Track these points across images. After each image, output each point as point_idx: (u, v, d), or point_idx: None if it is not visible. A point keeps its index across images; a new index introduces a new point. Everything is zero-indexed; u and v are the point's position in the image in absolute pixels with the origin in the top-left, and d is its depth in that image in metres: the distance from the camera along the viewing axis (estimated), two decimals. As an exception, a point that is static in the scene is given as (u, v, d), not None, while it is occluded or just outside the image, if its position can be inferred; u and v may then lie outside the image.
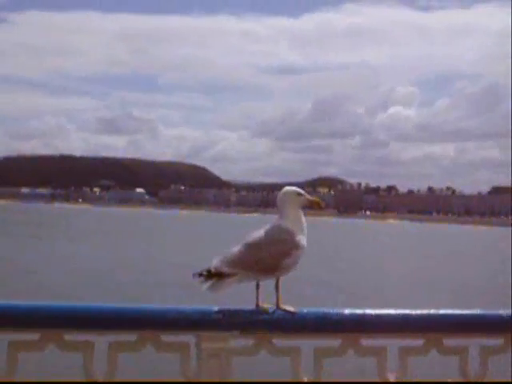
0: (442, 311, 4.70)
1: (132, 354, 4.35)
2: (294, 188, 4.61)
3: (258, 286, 4.51)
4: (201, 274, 4.27)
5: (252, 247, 4.39)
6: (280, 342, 4.51)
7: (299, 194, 4.59)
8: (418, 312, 4.65)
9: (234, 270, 4.32)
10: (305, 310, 4.50)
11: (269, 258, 4.37)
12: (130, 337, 4.31)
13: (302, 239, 4.48)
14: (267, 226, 4.51)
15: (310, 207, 4.64)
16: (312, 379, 4.52)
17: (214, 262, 4.34)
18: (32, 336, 4.20)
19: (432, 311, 4.67)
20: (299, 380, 4.50)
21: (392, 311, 4.62)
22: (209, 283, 4.30)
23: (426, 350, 4.70)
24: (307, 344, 4.57)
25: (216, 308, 4.37)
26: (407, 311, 4.66)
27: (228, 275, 4.31)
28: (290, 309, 4.48)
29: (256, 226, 4.50)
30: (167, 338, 4.38)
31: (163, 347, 4.37)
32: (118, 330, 4.30)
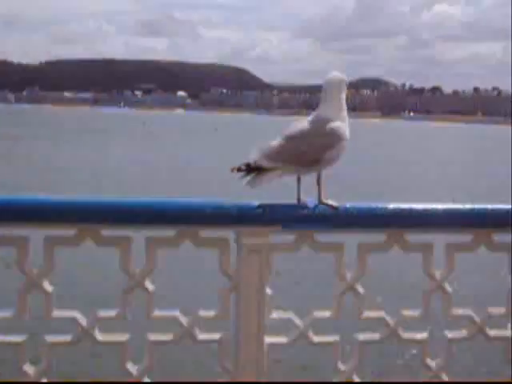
0: (491, 206, 4.48)
1: (170, 250, 4.24)
2: (342, 75, 4.25)
3: (299, 181, 4.27)
4: (239, 169, 4.04)
5: (293, 139, 4.13)
6: (323, 237, 4.35)
7: (347, 84, 4.27)
8: (467, 206, 4.44)
9: (275, 163, 4.08)
10: (347, 205, 4.31)
11: (311, 150, 4.11)
12: (168, 232, 4.18)
13: (346, 130, 4.19)
14: (308, 117, 4.24)
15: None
16: (356, 276, 4.37)
17: (253, 156, 4.09)
18: (68, 231, 4.10)
19: (481, 206, 4.46)
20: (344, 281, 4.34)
21: (439, 206, 4.41)
22: (248, 178, 4.08)
23: (474, 246, 4.51)
24: (351, 239, 4.42)
25: (256, 203, 4.18)
26: (455, 206, 4.46)
27: (268, 169, 4.09)
28: (333, 203, 4.26)
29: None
30: (206, 233, 4.24)
31: (202, 243, 4.23)
32: (155, 225, 4.17)
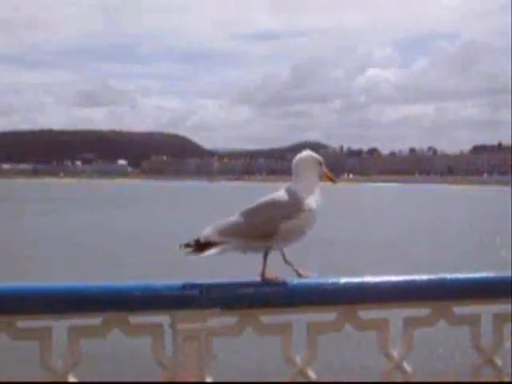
0: (449, 275, 4.13)
1: (97, 340, 3.76)
2: (314, 154, 4.11)
3: (265, 256, 3.96)
4: (187, 245, 3.79)
5: (248, 213, 3.92)
6: (268, 318, 3.92)
7: (320, 164, 4.10)
8: (423, 277, 4.08)
9: (225, 237, 3.82)
10: (294, 281, 3.91)
11: (265, 221, 3.85)
12: (93, 320, 3.71)
13: (310, 202, 3.93)
14: (275, 192, 4.02)
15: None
16: (306, 358, 3.95)
17: (205, 231, 3.85)
18: None
19: (439, 276, 4.10)
20: (291, 360, 3.93)
21: (393, 278, 4.04)
22: (196, 254, 3.81)
23: (433, 319, 4.14)
24: (299, 319, 4.00)
25: (191, 282, 3.76)
26: (411, 277, 4.09)
27: (218, 243, 3.82)
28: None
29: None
30: (137, 319, 3.78)
31: (133, 330, 3.77)
32: (78, 313, 3.69)
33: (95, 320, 3.71)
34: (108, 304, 3.67)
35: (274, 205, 3.91)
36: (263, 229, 3.86)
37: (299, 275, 3.96)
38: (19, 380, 3.89)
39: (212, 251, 3.82)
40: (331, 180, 4.16)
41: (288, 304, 3.91)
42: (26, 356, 3.86)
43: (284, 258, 3.99)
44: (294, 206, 3.89)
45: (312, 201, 3.94)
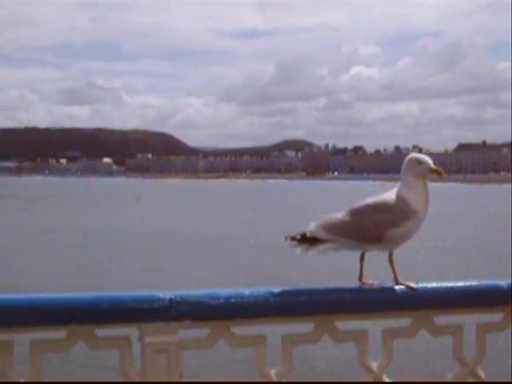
0: (430, 284, 3.98)
1: (61, 354, 3.57)
2: (416, 155, 4.01)
3: (362, 258, 3.97)
4: (293, 238, 3.80)
5: (355, 213, 3.88)
6: (241, 330, 3.76)
7: (419, 162, 3.97)
8: (402, 286, 3.93)
9: (332, 235, 3.82)
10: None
11: (372, 226, 3.82)
12: (57, 334, 3.52)
13: (419, 209, 3.87)
14: (384, 193, 3.96)
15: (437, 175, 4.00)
16: (281, 372, 3.78)
17: (311, 226, 3.86)
18: None
19: (419, 285, 3.95)
20: (267, 379, 3.76)
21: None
22: (301, 248, 3.84)
23: (413, 330, 3.99)
24: (273, 331, 3.84)
25: (160, 294, 3.58)
26: (388, 285, 3.94)
27: (323, 241, 3.83)
28: (412, 285, 3.90)
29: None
30: (103, 332, 3.60)
31: (99, 344, 3.58)
32: (41, 326, 3.50)
33: (59, 333, 3.53)
34: (73, 316, 3.49)
35: (383, 210, 3.86)
36: (370, 233, 3.84)
37: (397, 281, 3.93)
38: None
39: (319, 248, 3.85)
40: (439, 173, 3.99)
41: (259, 315, 3.74)
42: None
43: (389, 258, 3.96)
44: (402, 214, 3.85)
45: (419, 206, 3.88)
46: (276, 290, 3.75)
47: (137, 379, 3.58)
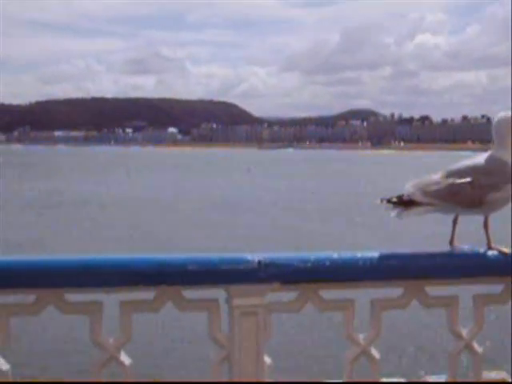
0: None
1: (150, 315, 3.57)
2: (508, 113, 3.78)
3: (455, 222, 3.85)
4: (389, 200, 3.70)
5: (453, 176, 3.72)
6: (329, 293, 3.68)
7: None
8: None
9: (430, 199, 3.70)
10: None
11: (472, 189, 3.67)
12: (146, 294, 3.52)
13: None
14: (479, 156, 3.80)
15: None
16: (370, 337, 3.71)
17: (408, 188, 3.74)
18: (28, 298, 3.41)
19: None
20: (355, 344, 3.69)
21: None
22: (397, 210, 3.72)
23: (506, 297, 3.85)
24: (362, 295, 3.75)
25: (249, 256, 3.53)
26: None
27: (419, 204, 3.71)
28: (505, 249, 3.76)
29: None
30: (192, 293, 3.57)
31: (187, 305, 3.56)
32: (131, 287, 3.50)
33: (148, 294, 3.52)
34: (163, 277, 3.47)
35: (483, 172, 3.70)
36: (470, 197, 3.70)
37: (489, 246, 3.80)
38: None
39: (414, 211, 3.73)
40: None
41: (353, 278, 3.65)
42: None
43: (485, 222, 3.83)
44: (503, 177, 3.68)
45: None
46: (365, 253, 3.66)
47: (225, 342, 3.56)
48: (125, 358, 3.51)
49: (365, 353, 3.72)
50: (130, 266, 3.46)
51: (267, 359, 3.60)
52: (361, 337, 3.72)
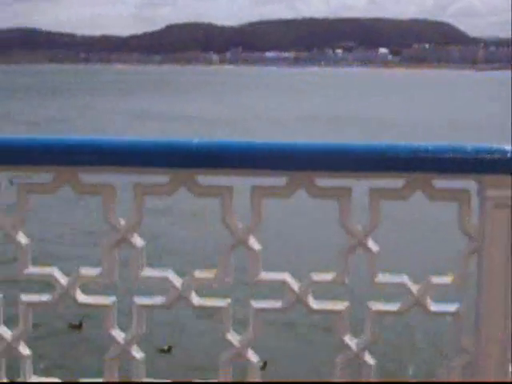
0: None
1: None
2: None
3: None
4: None
5: None
6: None
7: None
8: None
9: None
10: None
11: None
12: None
13: None
14: None
15: None
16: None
17: None
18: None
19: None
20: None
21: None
22: None
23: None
24: None
25: (507, 146, 3.36)
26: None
27: None
28: None
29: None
30: (439, 183, 3.48)
31: (437, 194, 3.47)
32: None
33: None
34: (413, 165, 3.39)
35: None
36: None
37: None
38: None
39: None
40: None
41: None
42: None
43: None
44: None
45: None
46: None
47: (475, 234, 3.46)
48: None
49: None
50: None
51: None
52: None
